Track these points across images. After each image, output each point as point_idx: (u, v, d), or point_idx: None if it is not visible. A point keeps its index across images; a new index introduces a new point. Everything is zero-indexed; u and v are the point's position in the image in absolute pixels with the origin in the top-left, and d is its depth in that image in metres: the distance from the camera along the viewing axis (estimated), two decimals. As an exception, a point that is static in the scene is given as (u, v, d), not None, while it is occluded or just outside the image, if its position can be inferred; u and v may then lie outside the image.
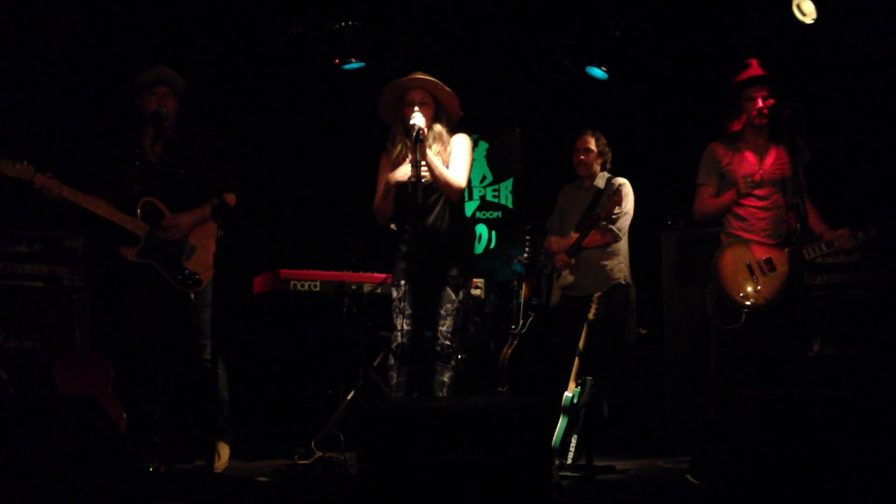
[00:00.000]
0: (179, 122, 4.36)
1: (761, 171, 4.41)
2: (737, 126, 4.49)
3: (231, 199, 4.33)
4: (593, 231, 5.02)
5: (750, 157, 4.47)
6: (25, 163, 3.95)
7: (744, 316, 4.33)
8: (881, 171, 5.43)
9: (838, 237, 4.26)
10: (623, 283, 5.13)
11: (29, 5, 5.32)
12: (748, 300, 4.33)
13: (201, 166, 4.27)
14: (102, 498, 3.16)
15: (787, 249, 4.30)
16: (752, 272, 4.35)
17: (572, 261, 5.11)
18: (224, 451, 4.43)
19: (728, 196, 4.45)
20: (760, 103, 4.39)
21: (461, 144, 4.23)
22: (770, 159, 4.45)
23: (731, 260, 4.41)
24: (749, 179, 4.37)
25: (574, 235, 5.13)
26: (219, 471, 4.25)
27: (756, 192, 4.40)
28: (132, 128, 4.34)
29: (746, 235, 4.43)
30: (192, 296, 4.29)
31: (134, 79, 4.32)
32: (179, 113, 4.35)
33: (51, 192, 3.98)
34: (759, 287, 4.33)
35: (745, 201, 4.43)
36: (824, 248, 4.27)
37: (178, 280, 4.27)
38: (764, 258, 4.36)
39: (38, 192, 3.98)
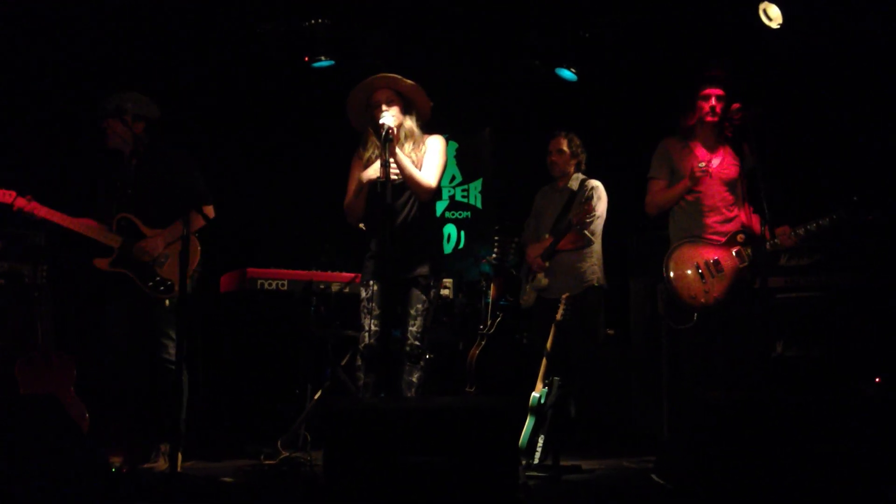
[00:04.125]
0: (152, 141, 4.57)
1: (710, 169, 4.53)
2: (690, 122, 4.64)
3: (209, 210, 4.52)
4: (567, 235, 5.08)
5: (701, 153, 4.61)
6: (7, 190, 4.30)
7: (695, 315, 4.45)
8: (831, 172, 5.56)
9: (780, 235, 4.38)
10: (596, 284, 5.19)
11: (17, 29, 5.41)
12: (698, 301, 4.44)
13: (175, 180, 4.48)
14: (65, 498, 3.11)
15: (733, 249, 4.44)
16: (700, 273, 4.45)
17: (546, 264, 5.16)
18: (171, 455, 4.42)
19: (681, 185, 4.56)
20: (713, 102, 4.54)
21: (435, 146, 4.22)
22: (719, 159, 4.58)
23: (680, 261, 4.52)
24: (702, 164, 4.47)
25: (548, 238, 5.18)
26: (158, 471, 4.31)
27: (703, 189, 4.52)
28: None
29: (694, 234, 4.54)
30: (167, 302, 4.44)
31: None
32: (135, 134, 4.50)
33: (29, 215, 4.33)
34: (707, 288, 4.44)
35: (691, 198, 4.56)
36: (768, 246, 4.35)
37: (150, 287, 4.43)
38: (712, 259, 4.47)
39: (17, 213, 4.31)
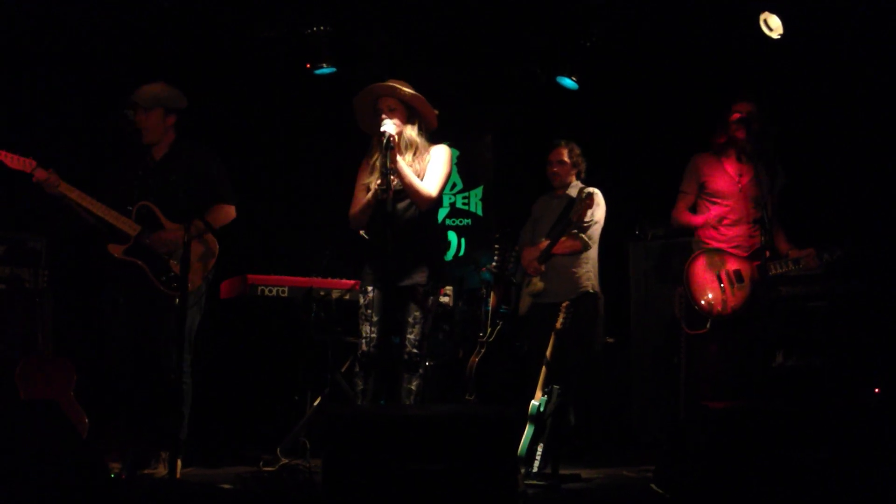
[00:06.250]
0: (178, 135, 4.45)
1: (740, 184, 4.62)
2: (721, 139, 4.73)
3: (231, 210, 4.47)
4: (563, 238, 5.10)
5: (730, 169, 4.69)
6: (29, 157, 4.09)
7: (709, 322, 4.51)
8: (846, 195, 5.56)
9: (805, 256, 4.49)
10: (591, 291, 5.20)
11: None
12: (714, 308, 4.47)
13: (200, 177, 4.37)
14: (63, 504, 3.11)
15: (755, 263, 4.45)
16: (720, 282, 4.50)
17: (542, 267, 5.17)
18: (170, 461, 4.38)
19: (702, 218, 4.69)
20: (743, 119, 4.59)
21: (440, 155, 4.22)
22: (748, 175, 4.64)
23: (703, 267, 4.61)
24: (721, 217, 4.61)
25: (545, 242, 5.19)
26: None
27: (731, 204, 4.63)
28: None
29: (718, 246, 4.63)
30: (177, 299, 4.22)
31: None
32: (167, 126, 4.40)
33: (49, 187, 4.09)
34: (725, 297, 4.49)
35: (717, 211, 4.65)
36: (791, 265, 4.50)
37: (163, 281, 4.29)
38: (734, 269, 4.53)
39: (36, 185, 4.09)
